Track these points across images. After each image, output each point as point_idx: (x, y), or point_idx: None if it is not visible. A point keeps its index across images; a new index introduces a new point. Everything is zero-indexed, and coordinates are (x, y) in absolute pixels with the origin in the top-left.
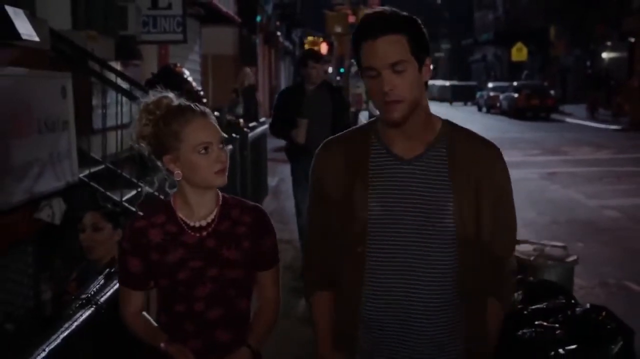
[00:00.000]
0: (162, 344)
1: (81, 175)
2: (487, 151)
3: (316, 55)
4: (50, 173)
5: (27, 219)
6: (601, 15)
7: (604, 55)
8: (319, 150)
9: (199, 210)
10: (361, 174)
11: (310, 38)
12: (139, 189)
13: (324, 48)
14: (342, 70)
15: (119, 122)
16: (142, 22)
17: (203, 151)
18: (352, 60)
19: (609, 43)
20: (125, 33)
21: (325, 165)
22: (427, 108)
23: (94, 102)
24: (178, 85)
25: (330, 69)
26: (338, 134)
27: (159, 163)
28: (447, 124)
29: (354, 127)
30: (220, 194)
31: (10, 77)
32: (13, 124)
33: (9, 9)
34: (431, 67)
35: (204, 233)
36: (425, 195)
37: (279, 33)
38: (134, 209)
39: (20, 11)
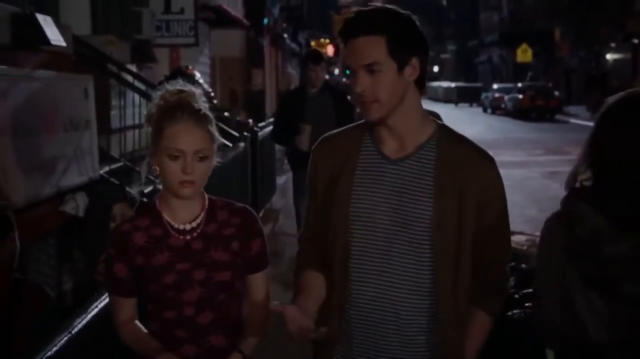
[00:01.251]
0: (152, 353)
1: (101, 171)
2: (478, 159)
3: (315, 57)
4: (75, 169)
5: (53, 212)
6: (605, 17)
7: (608, 56)
8: (317, 144)
9: (183, 213)
10: (348, 171)
11: (316, 40)
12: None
13: (330, 50)
14: (348, 72)
15: (135, 122)
16: (156, 27)
17: (172, 156)
18: None
19: (613, 44)
20: (140, 37)
21: (320, 159)
22: (417, 109)
23: (112, 103)
24: None
25: (337, 71)
26: (336, 130)
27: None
28: (442, 128)
29: (353, 123)
30: (206, 196)
31: (40, 80)
32: (43, 123)
33: (39, 17)
34: (417, 67)
35: (189, 236)
36: (405, 197)
37: (285, 35)
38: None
39: (49, 18)
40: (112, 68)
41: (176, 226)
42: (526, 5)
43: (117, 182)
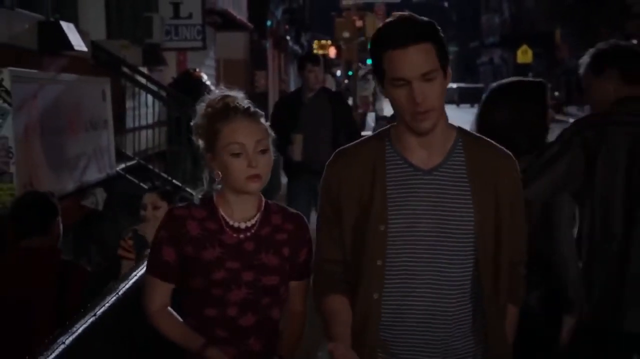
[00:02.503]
0: (199, 348)
1: (117, 168)
2: (504, 159)
3: (315, 58)
4: (94, 166)
5: (76, 206)
6: (605, 19)
7: None
8: (331, 161)
9: (240, 212)
10: (379, 186)
11: (319, 41)
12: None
13: (332, 52)
14: (350, 73)
15: (148, 122)
16: (165, 31)
17: (235, 153)
18: (360, 64)
19: None
20: (150, 41)
21: (339, 176)
22: (446, 116)
23: (126, 104)
24: (197, 88)
25: (338, 72)
26: (350, 144)
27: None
28: (462, 132)
29: (365, 137)
30: (263, 199)
31: (64, 83)
32: (67, 123)
33: (63, 24)
34: (450, 74)
35: (243, 236)
36: (446, 205)
37: (288, 37)
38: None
39: (71, 25)
40: (126, 71)
41: (231, 223)
42: (527, 7)
43: (132, 178)
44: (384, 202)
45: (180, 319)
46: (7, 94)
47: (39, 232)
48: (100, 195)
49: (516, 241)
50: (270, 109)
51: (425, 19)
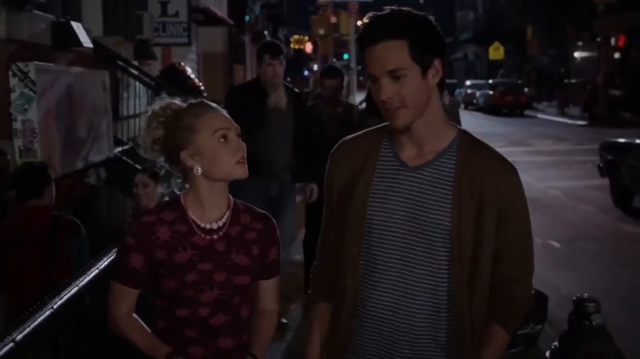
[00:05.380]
0: (163, 356)
1: (115, 151)
2: (500, 167)
3: (274, 49)
4: (96, 148)
5: (81, 182)
6: (573, 18)
7: (576, 54)
8: (335, 149)
9: (211, 211)
10: (366, 176)
11: (296, 36)
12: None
13: (309, 47)
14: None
15: (140, 111)
16: (154, 28)
17: (222, 139)
18: (334, 59)
19: (580, 43)
20: (141, 37)
21: (336, 165)
22: (440, 113)
23: (121, 94)
24: (182, 81)
25: (315, 67)
26: (354, 134)
27: (173, 168)
28: (463, 134)
29: (371, 127)
30: (231, 197)
31: (73, 75)
32: (76, 109)
33: (73, 24)
34: (440, 68)
35: (215, 236)
36: (422, 205)
37: (266, 32)
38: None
39: (79, 25)
40: (121, 64)
41: (202, 224)
42: (500, 3)
43: (128, 160)
44: (367, 191)
45: (145, 326)
46: (32, 84)
47: (36, 196)
48: (102, 174)
49: (511, 257)
50: None
51: (411, 13)
